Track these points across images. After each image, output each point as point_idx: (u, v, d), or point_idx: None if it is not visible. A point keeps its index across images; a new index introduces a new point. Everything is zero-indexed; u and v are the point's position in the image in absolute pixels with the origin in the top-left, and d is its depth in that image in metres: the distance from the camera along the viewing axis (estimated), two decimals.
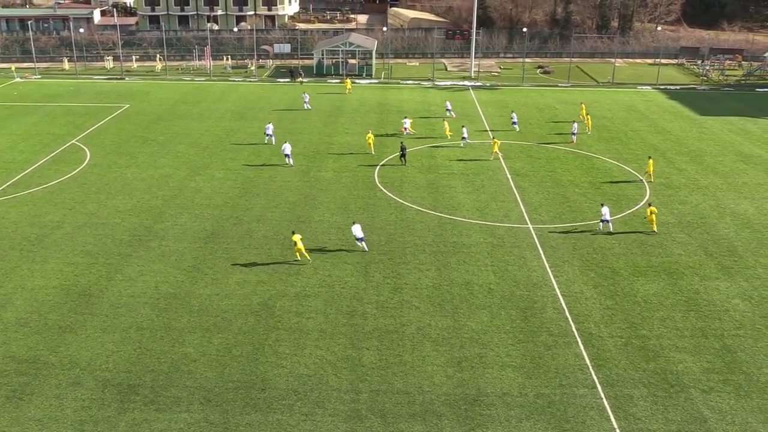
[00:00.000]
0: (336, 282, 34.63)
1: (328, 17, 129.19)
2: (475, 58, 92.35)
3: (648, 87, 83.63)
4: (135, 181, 49.17)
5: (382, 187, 47.73)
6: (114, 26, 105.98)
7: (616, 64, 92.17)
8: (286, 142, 53.77)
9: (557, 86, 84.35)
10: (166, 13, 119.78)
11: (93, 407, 25.58)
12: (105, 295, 33.35)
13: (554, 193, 46.96)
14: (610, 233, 40.24)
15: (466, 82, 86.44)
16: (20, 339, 29.74)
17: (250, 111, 70.24)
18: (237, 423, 24.86)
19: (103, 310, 32.06)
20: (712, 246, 39.00)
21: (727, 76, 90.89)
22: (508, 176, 50.16)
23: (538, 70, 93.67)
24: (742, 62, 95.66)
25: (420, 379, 27.26)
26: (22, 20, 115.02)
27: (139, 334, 30.19)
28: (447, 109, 66.83)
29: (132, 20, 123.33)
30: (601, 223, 40.48)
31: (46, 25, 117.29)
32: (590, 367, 28.02)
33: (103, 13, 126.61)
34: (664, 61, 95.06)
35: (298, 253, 36.45)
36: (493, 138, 55.97)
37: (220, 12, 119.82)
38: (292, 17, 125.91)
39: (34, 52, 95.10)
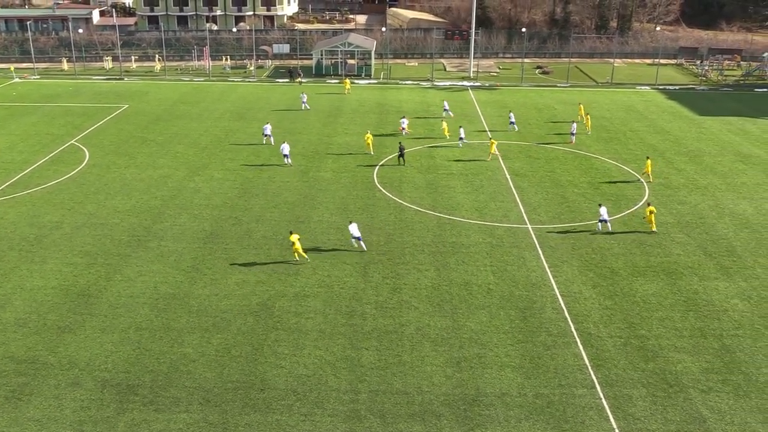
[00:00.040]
0: (335, 282, 34.63)
1: (327, 17, 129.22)
2: (474, 58, 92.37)
3: (647, 87, 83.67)
4: (134, 181, 49.16)
5: (381, 188, 47.74)
6: (113, 26, 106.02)
7: (615, 65, 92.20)
8: (284, 142, 53.79)
9: (556, 86, 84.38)
10: (165, 13, 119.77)
11: (92, 407, 25.57)
12: (104, 296, 33.34)
13: (553, 193, 46.98)
14: (609, 233, 40.27)
15: (465, 83, 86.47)
16: (19, 339, 29.73)
17: (249, 111, 70.24)
18: (236, 423, 24.85)
19: (102, 310, 32.06)
20: (711, 246, 39.02)
21: (725, 76, 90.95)
22: (507, 176, 50.17)
23: (537, 71, 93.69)
24: (741, 62, 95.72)
25: (419, 379, 27.27)
26: (21, 20, 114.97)
27: (138, 334, 30.18)
28: (445, 109, 66.90)
29: (131, 20, 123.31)
30: (599, 224, 40.50)
31: (45, 25, 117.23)
32: (589, 367, 28.03)
33: (102, 14, 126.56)
34: (662, 61, 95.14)
35: (296, 254, 36.47)
36: (491, 139, 55.98)
37: (219, 12, 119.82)
38: (291, 17, 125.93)
39: (33, 52, 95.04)
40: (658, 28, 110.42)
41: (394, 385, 26.93)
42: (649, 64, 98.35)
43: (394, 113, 68.07)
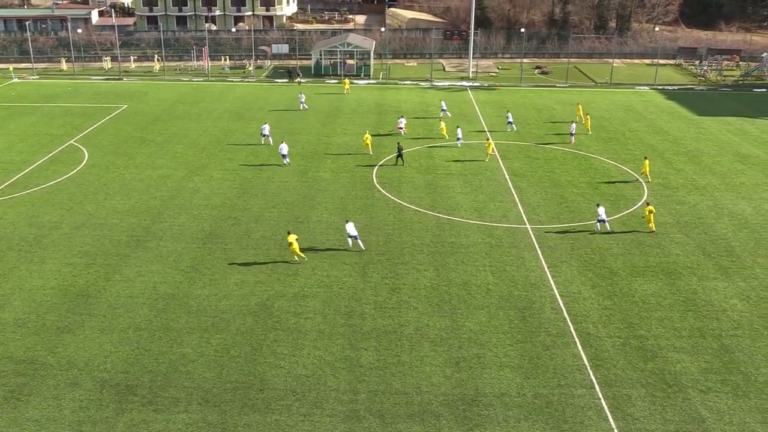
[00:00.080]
0: (334, 282, 34.63)
1: (326, 18, 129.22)
2: (473, 58, 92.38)
3: (646, 87, 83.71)
4: (133, 181, 49.15)
5: (380, 188, 47.74)
6: (112, 27, 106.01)
7: (614, 65, 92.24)
8: (282, 142, 53.82)
9: (555, 87, 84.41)
10: (164, 13, 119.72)
11: (91, 408, 25.56)
12: (103, 296, 33.33)
13: (552, 193, 47.00)
14: (608, 233, 40.28)
15: (464, 83, 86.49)
16: (18, 339, 29.71)
17: (249, 111, 70.23)
18: (235, 423, 24.85)
19: (101, 310, 32.05)
20: (710, 246, 39.04)
21: (724, 76, 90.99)
22: (506, 176, 50.19)
23: (536, 71, 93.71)
24: (740, 63, 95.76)
25: (418, 379, 27.27)
26: (20, 21, 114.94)
27: (137, 334, 30.17)
28: (442, 109, 66.93)
29: (130, 21, 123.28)
30: (598, 224, 40.52)
31: (43, 25, 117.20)
32: (588, 368, 28.04)
33: (101, 14, 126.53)
34: (661, 61, 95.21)
35: (294, 254, 36.48)
36: (488, 139, 55.96)
37: (218, 12, 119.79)
38: (290, 18, 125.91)
39: (32, 52, 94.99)
40: (657, 29, 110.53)
41: (393, 385, 26.93)
42: (648, 65, 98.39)
43: (393, 113, 68.06)
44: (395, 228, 41.13)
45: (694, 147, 58.37)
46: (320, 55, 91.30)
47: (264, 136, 57.81)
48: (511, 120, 62.43)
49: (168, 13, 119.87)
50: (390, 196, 46.29)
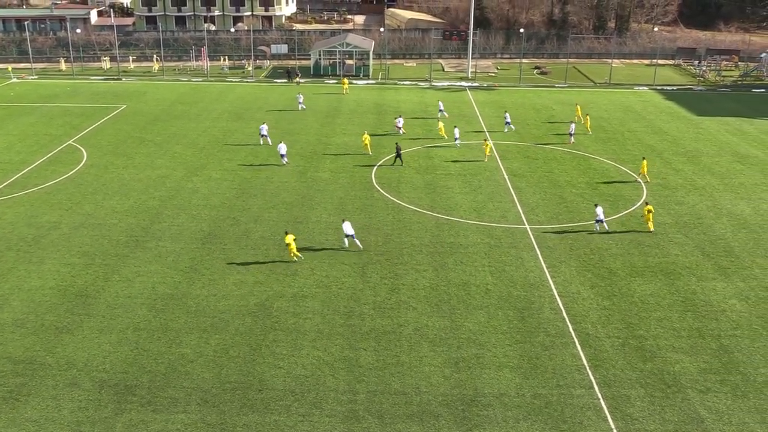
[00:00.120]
0: (333, 283, 34.62)
1: (326, 18, 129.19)
2: (472, 58, 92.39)
3: (645, 88, 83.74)
4: (132, 181, 49.12)
5: (379, 188, 47.74)
6: (111, 27, 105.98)
7: (613, 65, 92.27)
8: (281, 142, 53.84)
9: (554, 87, 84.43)
10: (163, 13, 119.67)
11: (90, 408, 25.54)
12: (102, 296, 33.31)
13: (551, 193, 47.00)
14: (606, 233, 40.29)
15: (463, 83, 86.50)
16: (17, 340, 29.68)
17: (248, 111, 70.22)
18: (234, 424, 24.83)
19: (100, 310, 32.02)
20: (709, 246, 39.06)
21: (723, 76, 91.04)
22: (506, 177, 50.19)
23: (535, 71, 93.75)
24: (739, 63, 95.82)
25: (417, 379, 27.26)
26: (19, 21, 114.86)
27: (136, 334, 30.15)
28: (440, 110, 66.94)
29: (129, 21, 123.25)
30: (597, 224, 40.53)
31: (42, 25, 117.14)
32: (587, 368, 28.04)
33: (100, 14, 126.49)
34: (660, 61, 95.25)
35: (292, 253, 36.46)
36: (485, 140, 55.92)
37: (217, 12, 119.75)
38: (289, 18, 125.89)
39: (30, 52, 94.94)
40: (656, 29, 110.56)
41: (393, 385, 26.92)
42: (647, 65, 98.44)
43: (392, 113, 68.04)
44: (394, 228, 41.13)
45: (693, 147, 58.39)
46: (319, 55, 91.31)
47: (262, 136, 57.80)
48: (508, 120, 62.43)
49: (167, 13, 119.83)
50: (389, 196, 46.28)
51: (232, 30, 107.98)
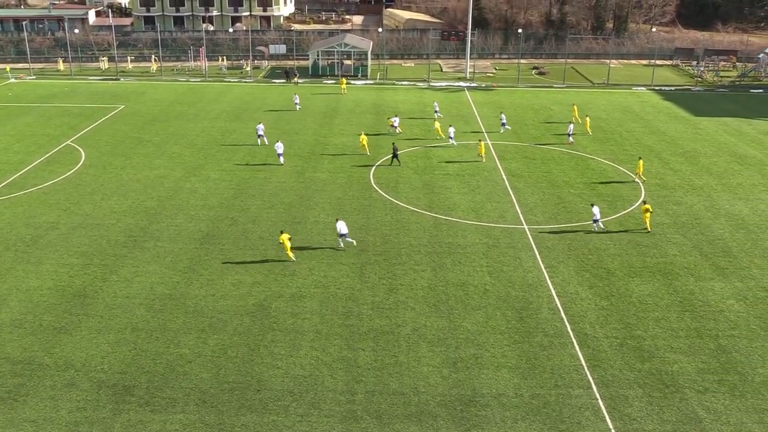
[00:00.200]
0: (331, 283, 34.62)
1: (324, 18, 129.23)
2: (470, 59, 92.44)
3: (643, 88, 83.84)
4: (130, 182, 49.10)
5: (377, 188, 47.75)
6: (109, 27, 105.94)
7: (611, 65, 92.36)
8: (278, 141, 53.88)
9: (552, 87, 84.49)
10: (161, 13, 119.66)
11: (88, 408, 25.52)
12: (100, 296, 33.29)
13: (549, 193, 47.03)
14: (604, 232, 40.32)
15: (462, 83, 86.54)
16: (15, 340, 29.66)
17: (246, 112, 70.21)
18: (232, 424, 24.83)
19: (98, 311, 32.00)
20: (707, 247, 39.10)
21: (721, 77, 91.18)
22: (504, 177, 50.22)
23: (534, 71, 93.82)
24: (737, 63, 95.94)
25: (415, 379, 27.27)
26: (17, 21, 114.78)
27: (135, 335, 30.13)
28: (435, 111, 66.94)
29: (127, 21, 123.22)
30: (594, 224, 40.57)
31: (40, 25, 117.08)
32: (585, 368, 28.06)
33: (98, 14, 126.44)
34: (658, 62, 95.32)
35: (287, 253, 36.46)
36: (479, 140, 55.84)
37: (215, 13, 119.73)
38: (287, 18, 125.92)
39: (28, 52, 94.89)
40: (654, 29, 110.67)
41: (391, 385, 26.93)
42: (645, 65, 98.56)
43: (390, 114, 68.05)
44: (392, 228, 41.13)
45: (691, 147, 58.46)
46: (317, 55, 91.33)
47: (259, 136, 57.79)
48: (504, 121, 62.39)
49: (165, 13, 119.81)
50: (387, 196, 46.29)
51: (231, 30, 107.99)
